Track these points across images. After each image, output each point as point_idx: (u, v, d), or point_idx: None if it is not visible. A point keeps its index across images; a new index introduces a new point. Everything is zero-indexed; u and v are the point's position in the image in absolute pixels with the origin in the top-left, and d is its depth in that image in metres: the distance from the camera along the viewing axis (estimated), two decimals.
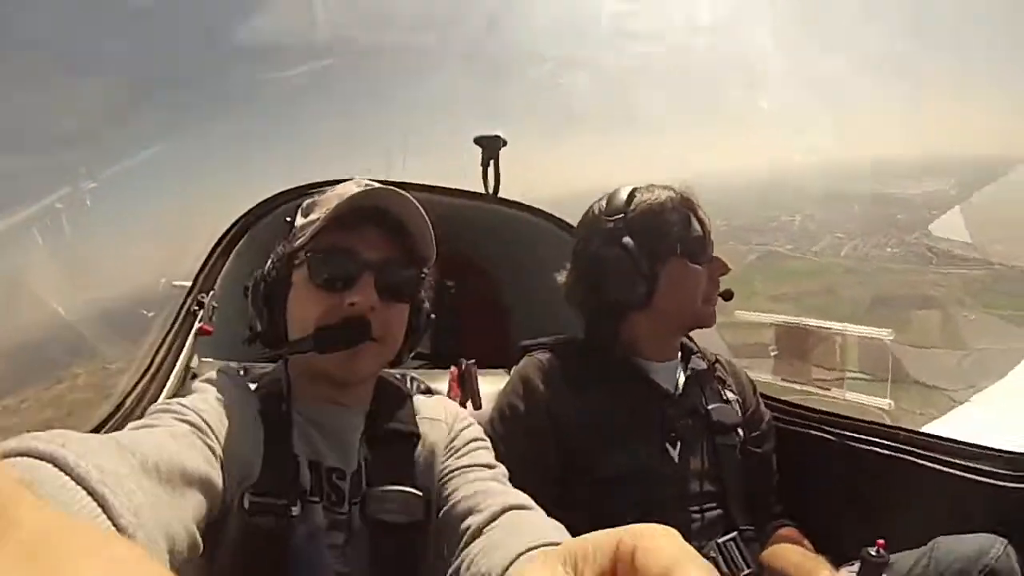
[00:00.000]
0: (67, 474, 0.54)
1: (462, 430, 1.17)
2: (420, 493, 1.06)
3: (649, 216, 1.51)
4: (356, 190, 1.08)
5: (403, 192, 1.06)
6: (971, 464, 1.45)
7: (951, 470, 1.46)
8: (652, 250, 1.49)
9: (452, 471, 1.08)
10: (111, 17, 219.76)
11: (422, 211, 1.08)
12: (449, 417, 1.18)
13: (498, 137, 2.47)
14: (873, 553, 1.20)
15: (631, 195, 1.54)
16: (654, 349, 1.56)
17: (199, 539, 0.78)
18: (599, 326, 1.59)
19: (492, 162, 2.47)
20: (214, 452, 0.90)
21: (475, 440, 1.16)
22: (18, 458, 0.54)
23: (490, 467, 1.09)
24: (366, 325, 1.05)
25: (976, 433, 1.56)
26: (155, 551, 0.57)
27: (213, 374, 1.09)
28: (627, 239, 1.49)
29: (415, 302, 1.17)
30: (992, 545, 1.23)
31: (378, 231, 1.08)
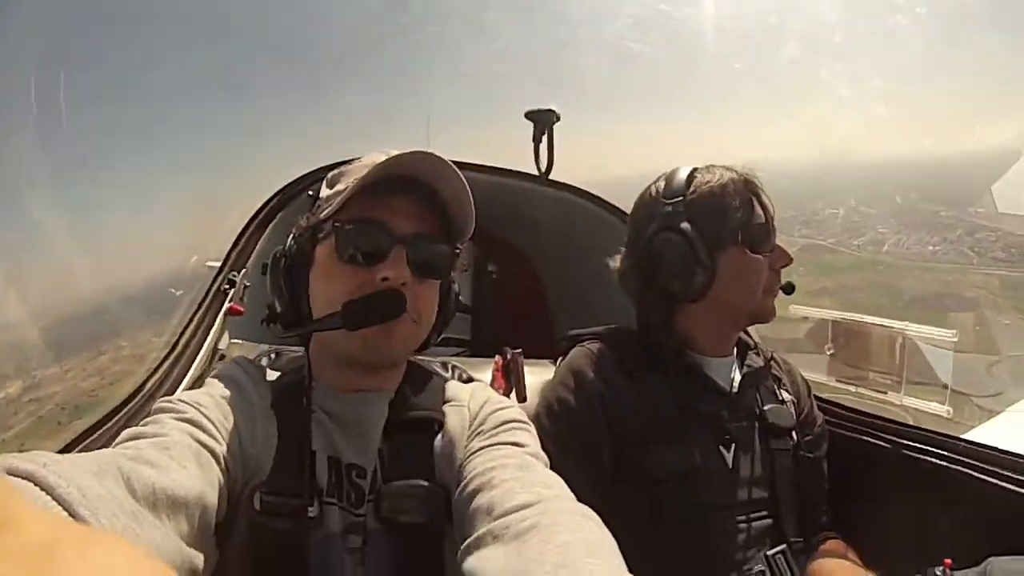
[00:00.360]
0: (48, 494, 0.53)
1: (492, 412, 1.05)
2: (438, 488, 0.96)
3: (709, 200, 1.41)
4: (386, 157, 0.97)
5: (439, 156, 0.96)
6: None
7: (1011, 485, 1.36)
8: (712, 237, 1.40)
9: (476, 451, 0.97)
10: None
11: (461, 178, 0.98)
12: (474, 402, 1.07)
13: (551, 111, 2.33)
14: (939, 573, 1.14)
15: (691, 176, 1.45)
16: (711, 343, 1.48)
17: (191, 559, 0.72)
18: (653, 316, 1.51)
19: (545, 138, 2.34)
20: (214, 452, 0.84)
21: (510, 422, 1.03)
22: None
23: (519, 445, 0.97)
24: (399, 297, 0.96)
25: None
26: None
27: (227, 366, 1.03)
28: (685, 224, 1.40)
29: (446, 280, 1.08)
30: None
31: (411, 201, 1.00)
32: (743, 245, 1.41)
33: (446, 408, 1.05)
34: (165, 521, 0.69)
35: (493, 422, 1.02)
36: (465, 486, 0.90)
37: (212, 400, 0.91)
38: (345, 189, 0.98)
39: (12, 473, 0.54)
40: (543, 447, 1.05)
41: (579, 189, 2.48)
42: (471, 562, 0.76)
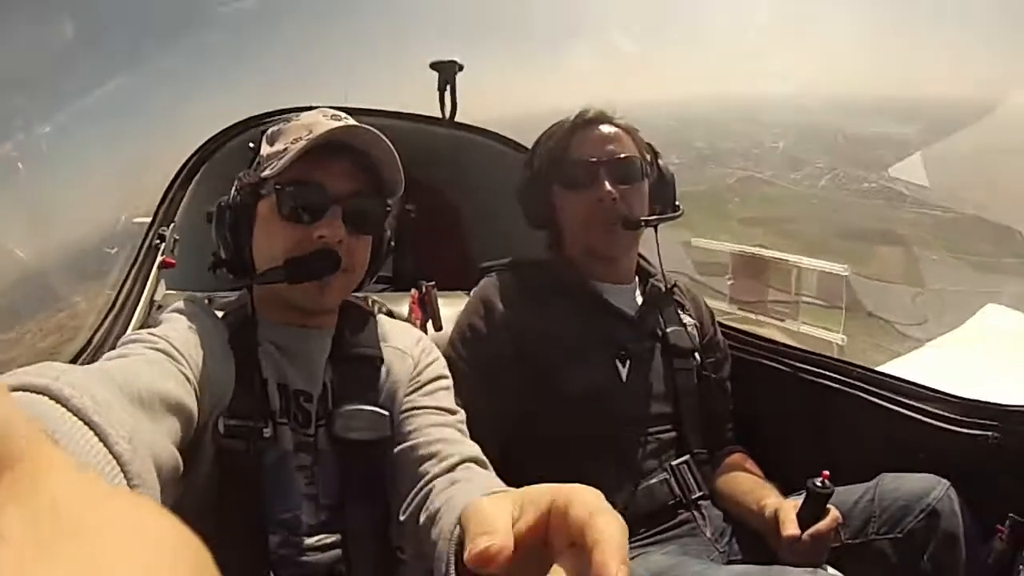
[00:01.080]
0: (63, 406, 0.55)
1: (428, 365, 1.20)
2: (385, 412, 1.10)
3: (540, 144, 1.61)
4: (326, 125, 1.08)
5: (372, 129, 1.07)
6: (921, 406, 1.48)
7: (900, 409, 1.50)
8: (541, 177, 1.57)
9: (414, 409, 1.12)
10: None
11: (390, 145, 1.08)
12: (415, 350, 1.21)
13: (454, 62, 2.44)
14: (818, 484, 1.22)
15: (553, 124, 1.61)
16: (600, 271, 1.58)
17: (180, 461, 0.80)
18: (549, 247, 1.65)
19: (449, 87, 2.46)
20: (188, 378, 0.92)
21: (439, 378, 1.20)
22: (16, 393, 0.55)
23: (451, 412, 1.14)
24: (335, 257, 1.07)
25: (932, 377, 1.57)
26: (149, 479, 0.59)
27: (181, 304, 1.09)
28: (532, 165, 1.60)
29: (380, 232, 1.19)
30: (935, 486, 1.28)
31: (345, 163, 1.10)
32: (561, 184, 1.54)
33: (387, 349, 1.17)
34: (159, 423, 0.78)
35: (428, 375, 1.18)
36: (413, 447, 1.05)
37: (179, 333, 0.97)
38: (285, 149, 1.07)
39: (26, 389, 0.56)
40: (457, 369, 1.27)
41: (485, 130, 2.60)
42: (420, 499, 0.95)
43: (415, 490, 0.98)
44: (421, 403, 1.13)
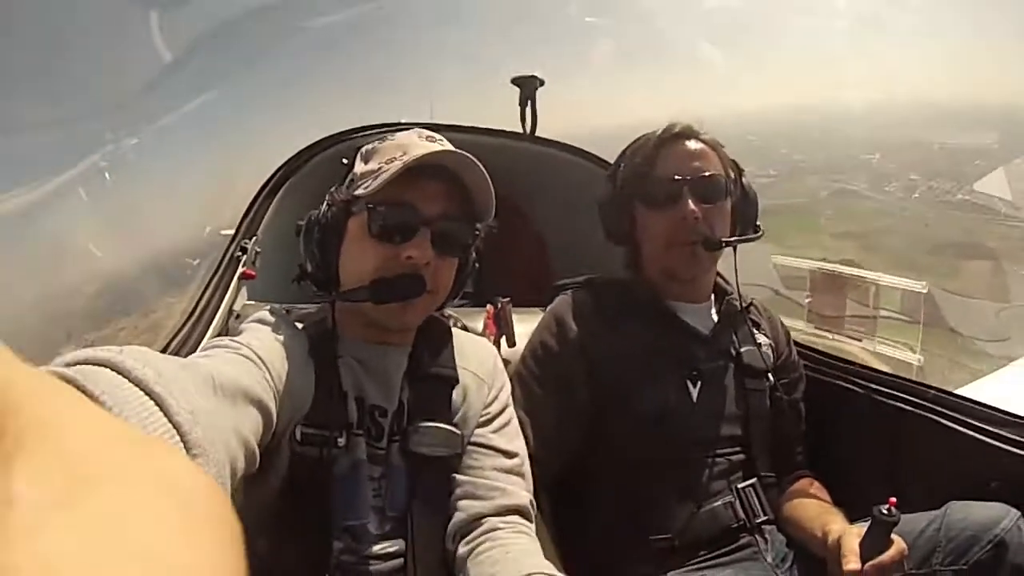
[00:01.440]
0: (125, 377, 0.57)
1: (499, 392, 1.25)
2: (457, 432, 1.14)
3: (623, 157, 1.59)
4: (421, 147, 1.10)
5: (466, 154, 1.09)
6: (995, 430, 1.41)
7: (974, 433, 1.43)
8: (623, 195, 1.55)
9: (483, 446, 1.18)
10: None
11: (483, 170, 1.10)
12: (491, 377, 1.25)
13: (535, 77, 2.48)
14: (884, 512, 1.18)
15: (638, 138, 1.58)
16: (677, 289, 1.55)
17: (258, 452, 0.84)
18: (626, 265, 1.63)
19: (530, 102, 2.49)
20: (269, 384, 0.96)
21: (506, 409, 1.25)
22: (78, 366, 0.56)
23: (509, 456, 1.19)
24: (421, 281, 1.10)
25: (1010, 400, 1.50)
26: (211, 451, 0.60)
27: (264, 314, 1.13)
28: (614, 182, 1.58)
29: (466, 255, 1.21)
30: (1004, 516, 1.22)
31: (438, 186, 1.12)
32: (643, 201, 1.52)
33: (464, 372, 1.21)
34: (239, 412, 0.83)
35: (498, 405, 1.24)
36: (462, 482, 1.15)
37: (261, 342, 1.02)
38: (379, 169, 1.09)
39: (88, 362, 0.58)
40: (527, 388, 1.39)
41: (566, 144, 2.61)
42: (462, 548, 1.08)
43: (459, 519, 1.10)
44: (492, 442, 1.19)
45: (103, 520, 0.22)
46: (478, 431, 1.19)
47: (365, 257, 1.10)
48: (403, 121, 2.41)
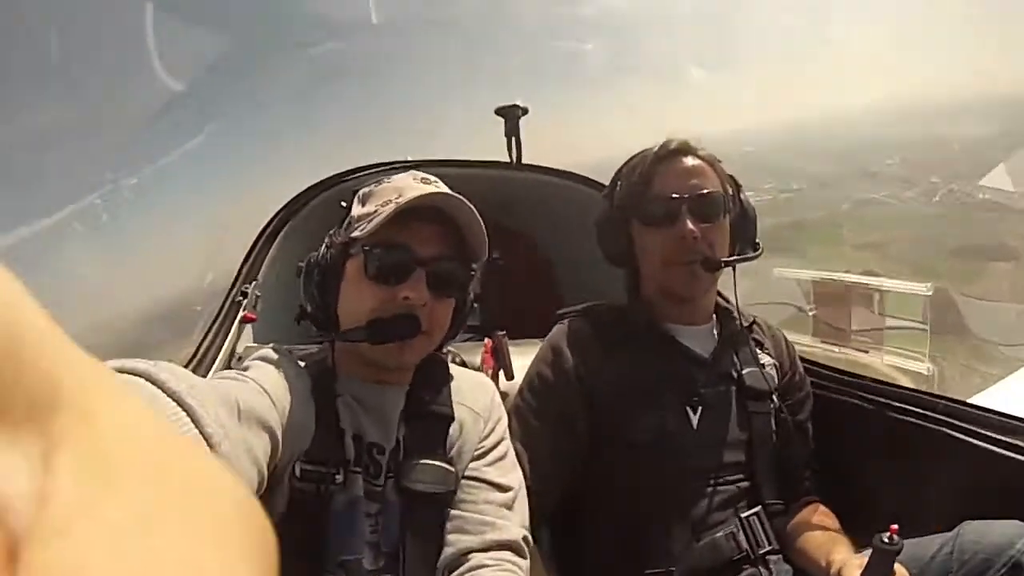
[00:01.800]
0: (159, 388, 0.59)
1: (495, 425, 1.27)
2: (451, 469, 1.16)
3: (619, 175, 1.57)
4: (415, 189, 1.14)
5: (458, 196, 1.13)
6: (1013, 440, 1.34)
7: (989, 445, 1.36)
8: (620, 213, 1.53)
9: (477, 480, 1.20)
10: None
11: (474, 211, 1.14)
12: (487, 411, 1.27)
13: (517, 106, 2.51)
14: (885, 540, 1.10)
15: (634, 155, 1.57)
16: (676, 311, 1.53)
17: (265, 480, 0.87)
18: (627, 287, 1.62)
19: (514, 132, 2.52)
20: (276, 416, 0.99)
21: (501, 442, 1.26)
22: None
23: (503, 489, 1.20)
24: (416, 321, 1.12)
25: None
26: (238, 465, 0.64)
27: (267, 351, 1.15)
28: (611, 199, 1.56)
29: (463, 295, 1.24)
30: (1021, 534, 1.14)
31: (433, 228, 1.15)
32: (640, 220, 1.49)
33: (460, 408, 1.22)
34: (253, 436, 0.86)
35: (493, 439, 1.25)
36: (459, 508, 1.16)
37: (268, 377, 1.05)
38: (375, 211, 1.13)
39: (123, 371, 0.60)
40: (525, 420, 1.39)
41: (562, 171, 2.63)
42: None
43: (448, 555, 1.11)
44: (485, 475, 1.20)
45: (136, 523, 0.22)
46: (472, 465, 1.20)
47: (362, 298, 1.13)
48: (404, 159, 2.45)
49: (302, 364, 1.17)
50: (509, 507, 1.19)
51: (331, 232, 1.21)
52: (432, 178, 1.19)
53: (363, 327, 1.11)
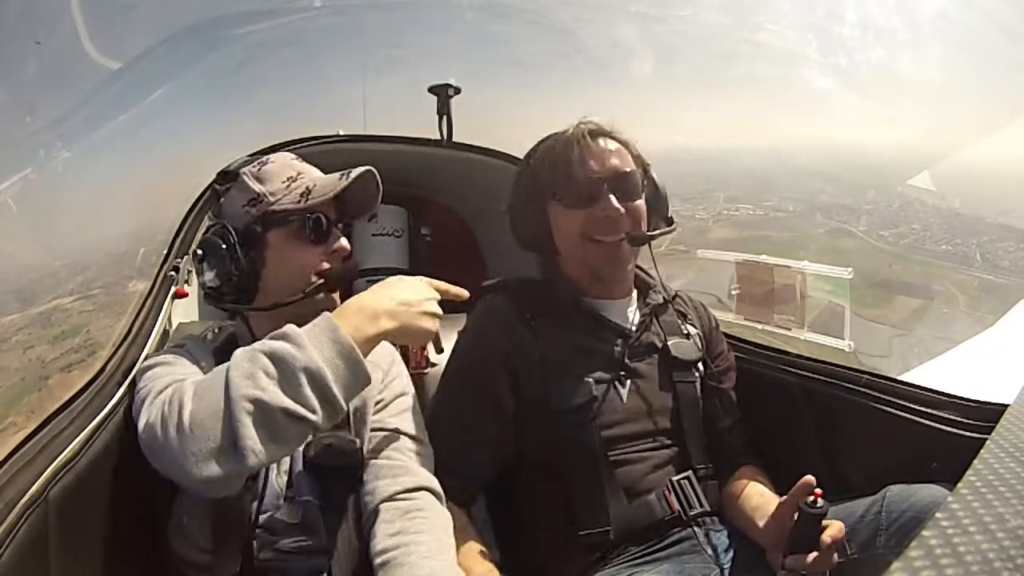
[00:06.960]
0: None
1: (392, 382, 1.38)
2: (354, 440, 1.23)
3: (531, 157, 1.60)
4: (318, 172, 1.36)
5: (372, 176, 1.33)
6: (931, 411, 1.42)
7: (909, 415, 1.44)
8: (537, 192, 1.55)
9: (378, 428, 1.31)
10: None
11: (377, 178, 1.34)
12: (385, 363, 1.39)
13: (449, 85, 2.55)
14: (808, 503, 1.17)
15: (544, 139, 1.59)
16: (596, 287, 1.56)
17: None
18: (543, 265, 1.64)
19: (445, 110, 2.57)
20: None
21: (404, 396, 1.38)
22: None
23: (412, 439, 1.32)
24: (355, 263, 1.40)
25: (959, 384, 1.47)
26: None
27: (179, 341, 1.34)
28: (525, 181, 1.58)
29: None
30: (944, 496, 1.17)
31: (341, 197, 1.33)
32: (560, 201, 1.50)
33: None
34: None
35: (393, 391, 1.37)
36: (373, 465, 1.26)
37: (184, 369, 1.18)
38: (288, 187, 1.29)
39: None
40: (452, 392, 1.51)
41: (493, 150, 2.65)
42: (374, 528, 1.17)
43: (370, 505, 1.20)
44: (388, 424, 1.31)
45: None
46: (375, 417, 1.31)
47: (304, 258, 1.29)
48: (337, 134, 2.44)
49: (210, 345, 1.33)
50: (420, 455, 1.29)
51: (241, 208, 1.29)
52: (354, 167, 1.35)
53: (322, 281, 1.28)
